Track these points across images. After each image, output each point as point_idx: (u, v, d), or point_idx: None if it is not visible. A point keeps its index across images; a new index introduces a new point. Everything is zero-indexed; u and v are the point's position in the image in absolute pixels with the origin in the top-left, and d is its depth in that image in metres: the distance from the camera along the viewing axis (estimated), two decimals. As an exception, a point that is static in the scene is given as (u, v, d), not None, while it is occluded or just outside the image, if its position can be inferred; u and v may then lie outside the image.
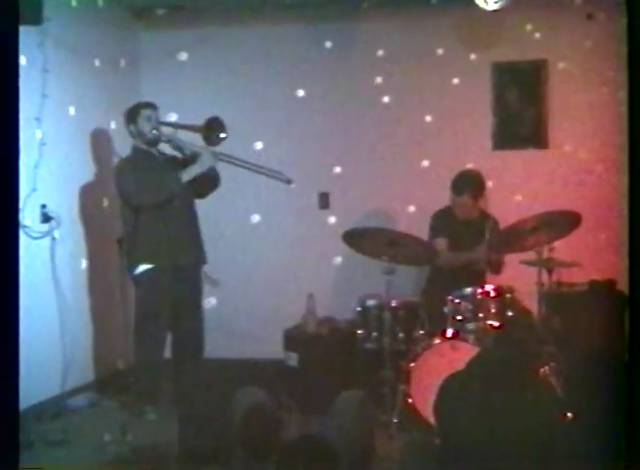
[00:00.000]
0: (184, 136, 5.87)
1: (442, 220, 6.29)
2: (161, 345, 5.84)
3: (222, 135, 5.78)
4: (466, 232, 6.14)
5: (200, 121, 5.77)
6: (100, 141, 6.53)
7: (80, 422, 5.68)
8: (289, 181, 5.95)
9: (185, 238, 5.84)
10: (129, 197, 5.69)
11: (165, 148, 5.95)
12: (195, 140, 5.80)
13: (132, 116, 5.83)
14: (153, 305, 5.74)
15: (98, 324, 6.48)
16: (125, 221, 5.82)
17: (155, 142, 5.85)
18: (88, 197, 6.37)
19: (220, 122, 5.78)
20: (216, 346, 6.22)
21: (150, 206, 5.65)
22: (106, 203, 6.54)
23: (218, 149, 5.79)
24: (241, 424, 4.27)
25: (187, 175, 5.69)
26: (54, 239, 5.87)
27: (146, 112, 5.82)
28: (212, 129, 5.76)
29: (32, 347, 5.35)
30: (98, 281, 6.48)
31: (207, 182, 5.88)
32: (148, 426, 5.51)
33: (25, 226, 5.57)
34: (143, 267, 5.73)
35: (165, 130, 5.86)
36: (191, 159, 5.78)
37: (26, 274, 5.29)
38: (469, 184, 6.20)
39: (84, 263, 6.35)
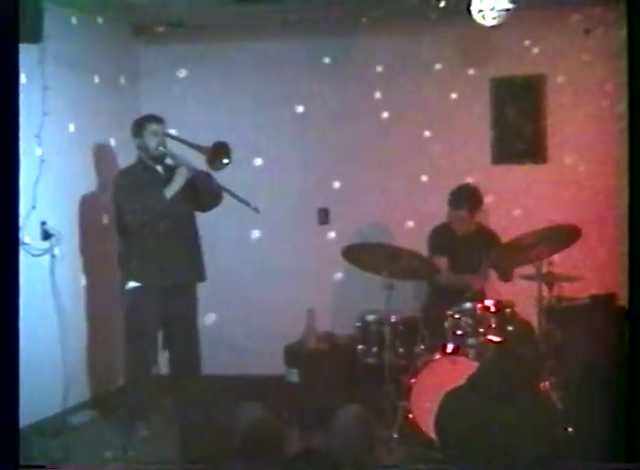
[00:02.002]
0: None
1: (441, 237, 6.28)
2: (149, 362, 5.77)
3: (225, 161, 5.62)
4: (465, 249, 6.15)
5: (198, 138, 5.75)
6: (102, 157, 6.53)
7: (81, 439, 5.68)
8: (256, 210, 5.74)
9: (181, 255, 5.72)
10: (119, 216, 5.67)
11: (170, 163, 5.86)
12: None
13: (138, 129, 5.73)
14: (138, 323, 5.66)
15: (99, 341, 6.48)
16: (120, 236, 5.78)
17: (160, 159, 5.74)
18: (88, 213, 6.38)
19: (226, 148, 5.63)
20: (217, 362, 6.21)
21: (136, 226, 5.58)
22: (105, 219, 6.54)
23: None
24: (241, 440, 4.26)
25: (169, 192, 5.59)
26: (54, 256, 5.87)
27: (152, 126, 5.71)
28: (217, 154, 5.61)
29: (33, 364, 5.35)
30: (98, 298, 6.48)
31: (206, 196, 5.78)
32: (148, 443, 5.51)
33: (26, 244, 5.57)
34: (131, 285, 5.67)
35: (173, 149, 5.77)
36: (171, 174, 5.69)
37: (27, 291, 5.30)
38: (466, 198, 6.20)
39: (84, 280, 6.35)
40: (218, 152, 5.61)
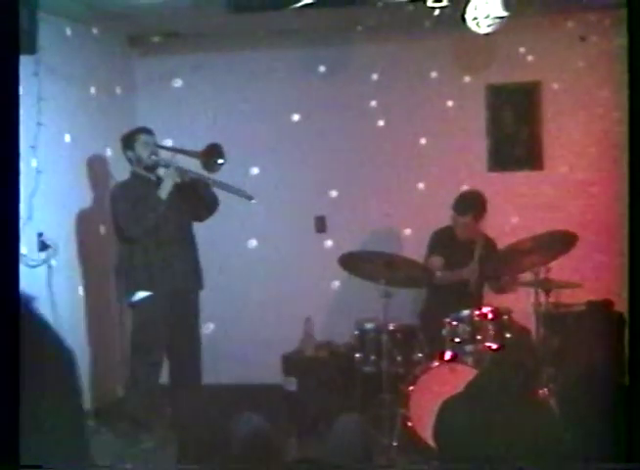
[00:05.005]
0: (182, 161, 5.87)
1: (442, 239, 6.27)
2: (157, 372, 5.81)
3: (220, 161, 5.74)
4: (464, 252, 6.14)
5: (195, 147, 5.78)
6: (96, 168, 6.53)
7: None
8: (250, 198, 5.86)
9: (182, 263, 5.80)
10: (120, 229, 5.70)
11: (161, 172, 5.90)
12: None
13: (129, 142, 5.80)
14: (151, 333, 5.71)
15: (96, 352, 6.46)
16: (121, 247, 5.81)
17: (153, 167, 5.81)
18: (85, 224, 6.38)
19: (219, 149, 5.73)
20: (214, 371, 6.20)
21: (138, 235, 5.64)
22: (102, 230, 6.54)
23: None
24: (240, 450, 4.25)
25: (162, 192, 5.65)
26: (50, 267, 5.87)
27: (143, 137, 5.78)
28: (210, 155, 5.73)
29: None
30: (95, 309, 6.47)
31: (202, 204, 5.86)
32: (146, 454, 5.49)
33: (22, 255, 5.57)
34: (141, 294, 5.71)
35: (164, 155, 5.85)
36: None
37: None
38: (472, 205, 6.18)
39: (81, 291, 6.34)
40: (210, 153, 5.72)
